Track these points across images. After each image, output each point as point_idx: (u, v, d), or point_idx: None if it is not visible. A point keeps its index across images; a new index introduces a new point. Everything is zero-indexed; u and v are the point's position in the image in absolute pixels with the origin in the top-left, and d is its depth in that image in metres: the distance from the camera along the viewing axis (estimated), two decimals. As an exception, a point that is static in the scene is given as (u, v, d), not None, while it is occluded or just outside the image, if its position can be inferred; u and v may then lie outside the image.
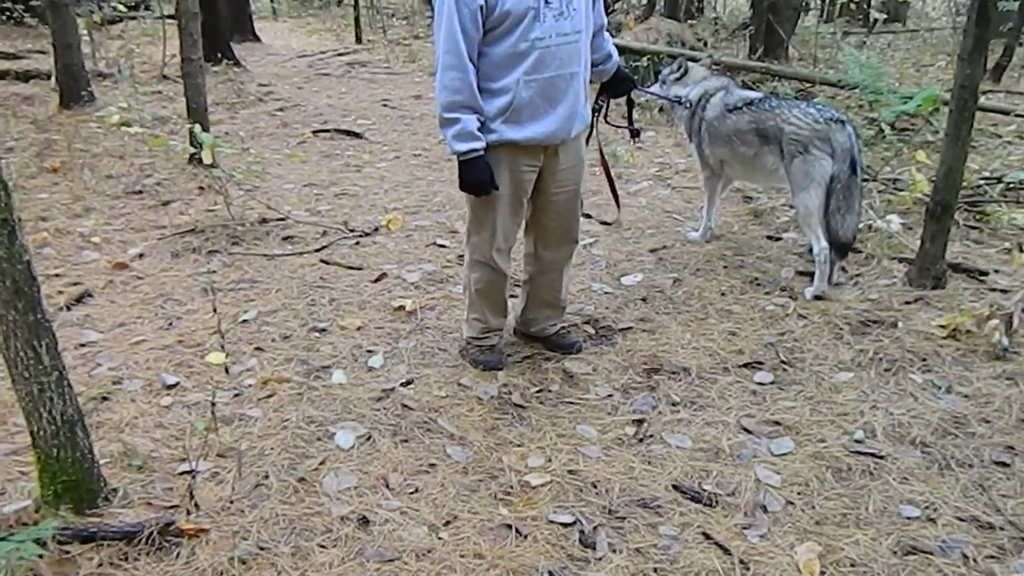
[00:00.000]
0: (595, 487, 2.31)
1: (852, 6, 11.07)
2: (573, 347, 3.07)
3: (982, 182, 4.64)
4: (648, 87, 4.31)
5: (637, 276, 3.72)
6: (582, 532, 2.13)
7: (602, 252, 4.04)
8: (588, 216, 3.35)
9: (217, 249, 4.05)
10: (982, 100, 5.02)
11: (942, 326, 3.09)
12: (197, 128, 4.58)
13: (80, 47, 6.96)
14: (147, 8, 12.65)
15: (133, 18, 11.49)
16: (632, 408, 2.71)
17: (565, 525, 2.16)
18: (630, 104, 3.24)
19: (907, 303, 3.35)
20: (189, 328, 3.24)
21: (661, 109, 4.11)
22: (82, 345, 3.09)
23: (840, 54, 7.63)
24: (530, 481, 2.33)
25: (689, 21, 10.06)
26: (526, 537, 2.11)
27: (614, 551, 2.06)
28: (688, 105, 3.94)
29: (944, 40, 10.60)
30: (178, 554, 2.02)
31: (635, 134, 3.26)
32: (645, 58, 7.27)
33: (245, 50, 11.02)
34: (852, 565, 2.01)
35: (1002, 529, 2.11)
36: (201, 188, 4.99)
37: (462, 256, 3.02)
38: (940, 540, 2.08)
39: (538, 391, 2.82)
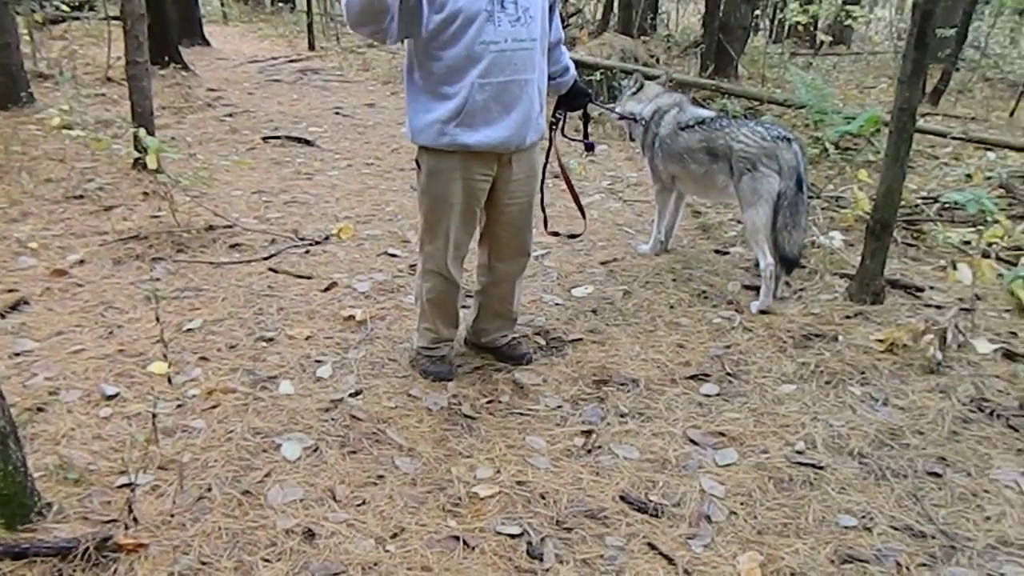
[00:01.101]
0: (543, 498, 2.32)
1: (800, 28, 11.41)
2: (523, 358, 3.08)
3: (920, 202, 4.82)
4: (604, 102, 4.38)
5: (588, 288, 3.76)
6: (530, 543, 2.13)
7: (554, 264, 4.07)
8: (556, 234, 3.35)
9: (161, 256, 3.96)
10: (920, 122, 5.20)
11: (880, 340, 3.19)
12: (142, 132, 4.47)
13: (19, 47, 6.76)
14: (91, 8, 12.33)
15: (77, 18, 11.19)
16: (581, 419, 2.73)
17: (513, 536, 2.16)
18: (586, 118, 3.28)
19: (847, 317, 3.45)
20: (131, 337, 3.16)
21: (623, 118, 4.16)
22: (17, 354, 2.98)
23: (787, 74, 7.85)
24: (479, 492, 2.33)
25: (642, 38, 10.22)
26: (474, 549, 2.11)
27: (561, 562, 2.07)
28: (642, 122, 4.01)
29: (886, 63, 10.99)
30: (116, 570, 1.96)
31: (590, 147, 3.29)
32: (598, 72, 7.37)
33: (194, 54, 10.81)
34: (792, 574, 2.05)
35: (934, 538, 2.19)
36: (145, 194, 4.87)
37: (414, 266, 3.01)
38: (875, 549, 2.14)
39: (488, 402, 2.82)
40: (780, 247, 3.53)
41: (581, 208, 3.25)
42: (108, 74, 8.34)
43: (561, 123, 3.12)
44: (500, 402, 2.82)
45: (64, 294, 3.53)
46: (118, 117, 6.47)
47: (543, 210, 3.00)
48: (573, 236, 3.51)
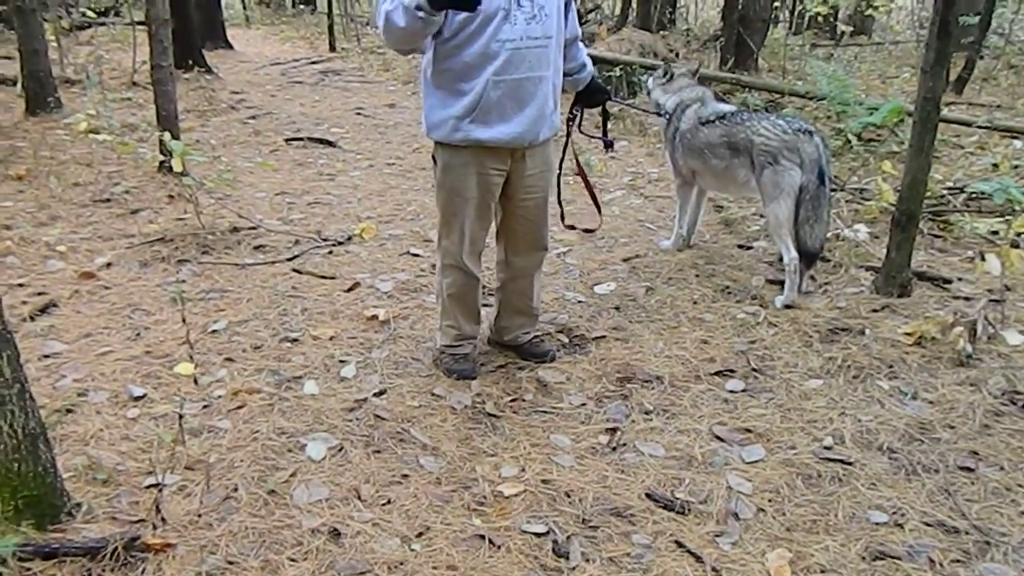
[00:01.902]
0: (568, 496, 2.31)
1: (820, 19, 11.26)
2: (547, 356, 3.08)
3: (946, 192, 4.74)
4: (624, 98, 4.34)
5: (610, 285, 3.74)
6: (555, 542, 2.13)
7: (575, 261, 4.06)
8: (572, 227, 3.34)
9: (187, 258, 4.00)
10: (945, 112, 5.12)
11: (908, 333, 3.15)
12: (167, 136, 4.52)
13: (47, 53, 6.85)
14: (117, 14, 12.49)
15: (102, 24, 11.35)
16: (605, 417, 2.72)
17: (538, 535, 2.15)
18: (605, 115, 3.27)
19: (874, 311, 3.40)
20: (157, 339, 3.19)
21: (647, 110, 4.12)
22: (46, 356, 3.03)
23: (808, 66, 7.75)
24: (503, 491, 2.32)
25: (661, 32, 10.17)
26: (499, 548, 2.10)
27: (587, 560, 2.06)
28: (665, 114, 3.99)
29: (909, 53, 10.81)
30: (144, 570, 1.98)
31: (609, 145, 3.28)
32: (618, 68, 7.33)
33: (217, 57, 10.92)
34: (822, 571, 2.03)
35: (967, 533, 2.15)
36: (171, 196, 4.92)
37: (435, 265, 3.02)
38: (907, 545, 2.11)
39: (512, 400, 2.82)
40: (801, 241, 3.49)
41: (597, 204, 3.25)
42: (133, 79, 8.44)
43: (579, 119, 3.11)
44: (524, 400, 2.82)
45: (92, 296, 3.58)
46: (143, 121, 6.55)
47: (560, 204, 2.99)
48: (588, 231, 3.50)
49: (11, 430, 1.99)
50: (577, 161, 3.22)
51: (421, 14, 2.32)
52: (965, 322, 3.04)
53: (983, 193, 4.32)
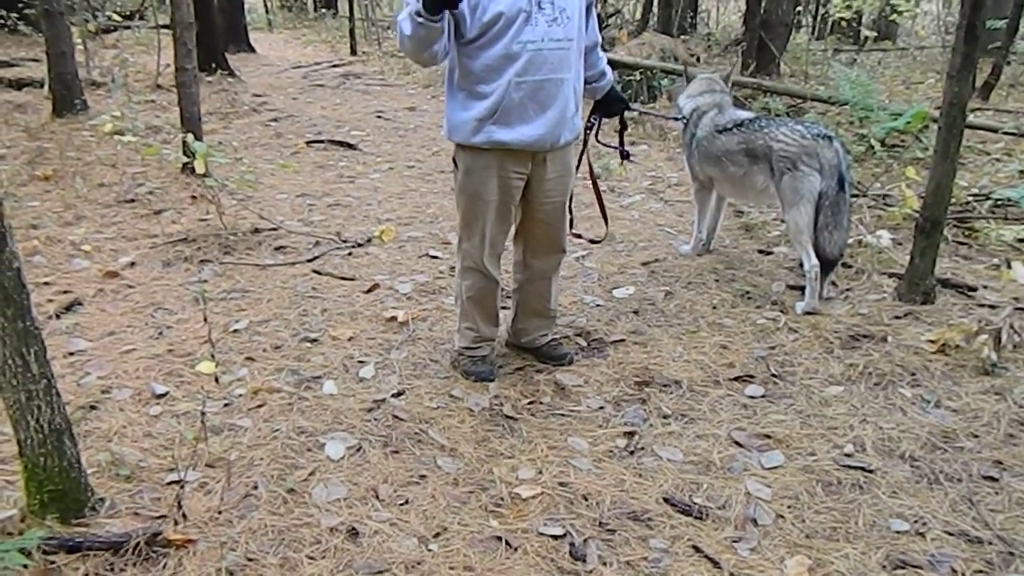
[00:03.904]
0: (586, 499, 2.30)
1: (843, 24, 11.19)
2: (564, 358, 3.07)
3: (971, 199, 4.68)
4: (644, 103, 4.33)
5: (629, 289, 3.73)
6: (572, 545, 2.12)
7: (594, 265, 4.05)
8: (578, 236, 3.33)
9: (209, 258, 4.04)
10: (971, 118, 5.06)
11: (931, 341, 3.11)
12: (190, 137, 4.58)
13: (74, 56, 6.96)
14: (142, 18, 12.66)
15: (128, 27, 11.50)
16: (623, 420, 2.71)
17: (555, 538, 2.15)
18: (623, 125, 3.26)
19: (897, 318, 3.37)
20: (179, 337, 3.23)
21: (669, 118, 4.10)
22: (71, 354, 3.07)
23: (831, 71, 7.70)
24: (521, 493, 2.32)
25: (682, 37, 10.14)
26: (516, 549, 2.10)
27: (604, 564, 2.06)
28: (683, 119, 3.97)
29: (933, 58, 10.71)
30: (165, 564, 2.00)
31: (625, 156, 3.27)
32: (638, 72, 7.32)
33: (240, 60, 11.04)
34: (842, 579, 2.01)
35: (991, 543, 2.12)
36: (193, 197, 4.98)
37: (454, 268, 3.03)
38: (929, 554, 2.08)
39: (529, 403, 2.82)
40: (820, 247, 3.46)
41: (605, 214, 3.23)
42: (158, 81, 8.56)
43: (596, 128, 3.11)
44: (541, 403, 2.82)
45: (116, 295, 3.62)
46: (167, 123, 6.64)
47: (570, 212, 2.99)
48: (594, 241, 3.50)
49: (37, 425, 2.02)
50: (591, 170, 3.22)
51: (420, 19, 2.35)
52: (990, 330, 3.00)
53: (1009, 200, 4.26)
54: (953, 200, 3.82)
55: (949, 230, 4.10)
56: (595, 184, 3.23)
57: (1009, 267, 3.22)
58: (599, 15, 3.05)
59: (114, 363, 3.02)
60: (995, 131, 5.86)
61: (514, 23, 2.48)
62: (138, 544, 2.01)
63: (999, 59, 7.92)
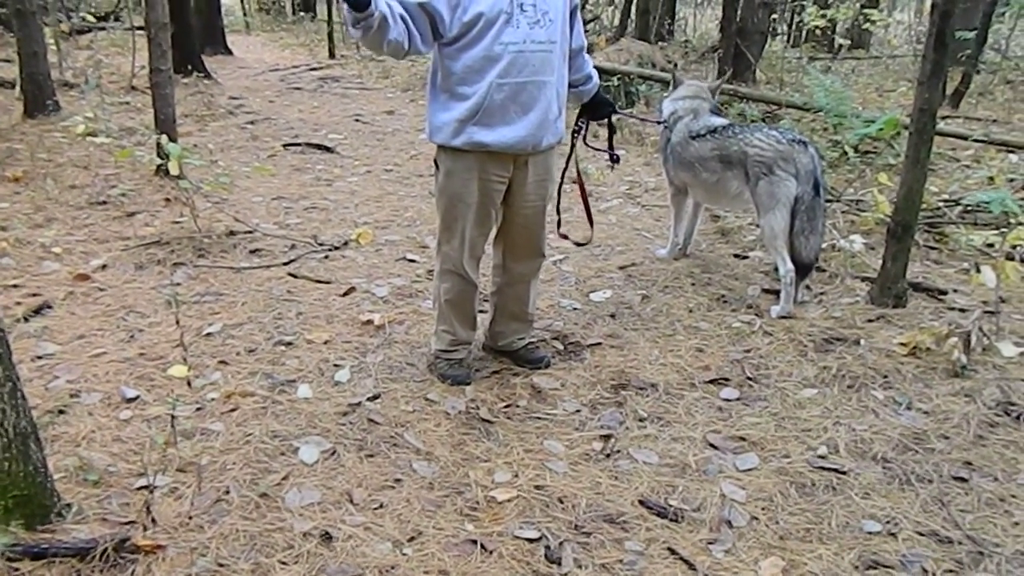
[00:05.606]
0: (561, 502, 2.30)
1: (817, 32, 11.32)
2: (541, 362, 3.07)
3: (941, 204, 4.75)
4: (622, 107, 4.33)
5: (606, 292, 3.74)
6: (548, 548, 2.12)
7: (572, 268, 4.06)
8: (565, 237, 3.32)
9: (182, 261, 3.99)
10: (941, 125, 5.14)
11: (903, 344, 3.15)
12: (165, 139, 4.52)
13: (46, 56, 6.86)
14: (116, 19, 12.52)
15: (102, 28, 11.38)
16: (599, 423, 2.71)
17: (531, 541, 2.14)
18: (611, 129, 3.26)
19: (869, 321, 3.41)
20: (151, 341, 3.18)
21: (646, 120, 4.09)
22: (39, 357, 3.02)
23: (805, 78, 7.79)
24: (496, 496, 2.32)
25: (660, 43, 10.22)
26: (491, 553, 2.09)
27: (580, 567, 2.06)
28: (663, 123, 3.99)
29: (906, 66, 10.88)
30: (133, 571, 1.97)
31: (615, 160, 3.25)
32: (616, 78, 7.36)
33: (216, 63, 10.95)
34: (815, 580, 2.02)
35: (960, 543, 2.14)
36: (167, 200, 4.92)
37: (432, 271, 3.02)
38: (901, 554, 2.10)
39: (506, 406, 2.81)
40: (796, 251, 3.49)
41: (590, 218, 3.24)
42: (132, 83, 8.46)
43: (584, 131, 3.11)
44: (518, 406, 2.81)
45: (87, 298, 3.56)
46: (141, 125, 6.56)
47: (558, 213, 2.99)
48: (580, 244, 3.50)
49: (2, 429, 1.98)
50: (579, 173, 3.22)
51: (351, 16, 2.29)
52: (960, 333, 3.04)
53: (981, 203, 4.33)
54: (924, 205, 3.88)
55: (920, 235, 4.16)
56: (582, 187, 3.22)
57: (978, 271, 3.26)
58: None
59: (83, 367, 2.97)
60: (965, 138, 5.96)
61: (494, 24, 2.48)
62: (105, 550, 1.97)
63: (969, 68, 8.06)
